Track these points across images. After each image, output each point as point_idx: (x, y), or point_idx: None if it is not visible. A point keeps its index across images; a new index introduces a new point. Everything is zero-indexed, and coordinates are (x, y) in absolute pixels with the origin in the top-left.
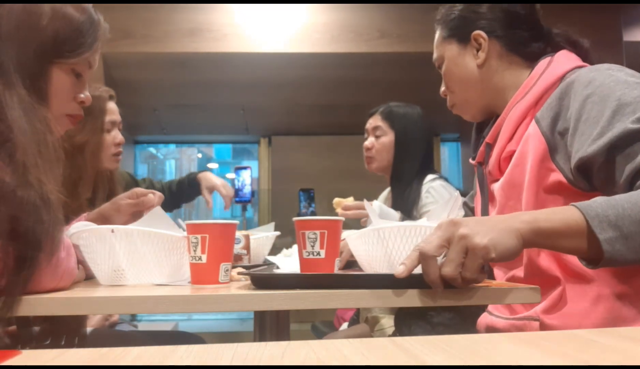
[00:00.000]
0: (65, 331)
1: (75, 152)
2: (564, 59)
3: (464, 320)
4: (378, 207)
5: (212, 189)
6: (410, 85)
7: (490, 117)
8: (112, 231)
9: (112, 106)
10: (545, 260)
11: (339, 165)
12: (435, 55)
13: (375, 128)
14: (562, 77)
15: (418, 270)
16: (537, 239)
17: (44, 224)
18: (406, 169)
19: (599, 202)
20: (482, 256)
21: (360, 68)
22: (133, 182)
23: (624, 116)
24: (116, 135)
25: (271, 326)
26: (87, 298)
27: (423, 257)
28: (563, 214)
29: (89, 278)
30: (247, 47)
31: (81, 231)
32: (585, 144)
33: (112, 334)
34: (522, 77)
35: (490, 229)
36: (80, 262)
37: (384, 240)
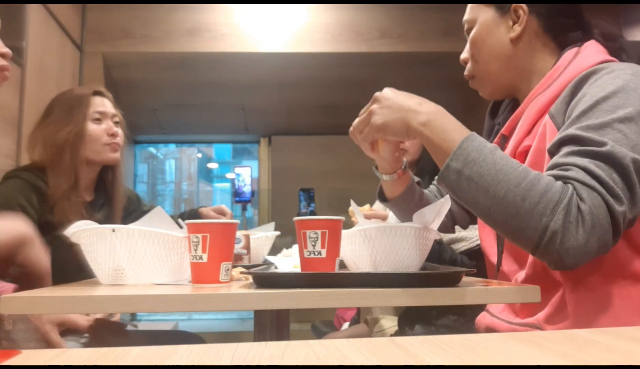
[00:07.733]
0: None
1: (61, 143)
2: (591, 52)
3: (467, 322)
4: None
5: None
6: (411, 85)
7: (505, 99)
8: (113, 230)
9: (99, 99)
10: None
11: (339, 165)
12: (467, 16)
13: None
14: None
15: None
16: (420, 138)
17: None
18: (432, 165)
19: (485, 146)
20: (374, 132)
21: (360, 68)
22: (137, 200)
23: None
24: (109, 127)
25: (271, 326)
26: (87, 297)
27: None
28: (451, 135)
29: (89, 277)
30: (247, 47)
31: (82, 230)
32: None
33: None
34: (550, 64)
35: (390, 115)
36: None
37: (369, 240)
